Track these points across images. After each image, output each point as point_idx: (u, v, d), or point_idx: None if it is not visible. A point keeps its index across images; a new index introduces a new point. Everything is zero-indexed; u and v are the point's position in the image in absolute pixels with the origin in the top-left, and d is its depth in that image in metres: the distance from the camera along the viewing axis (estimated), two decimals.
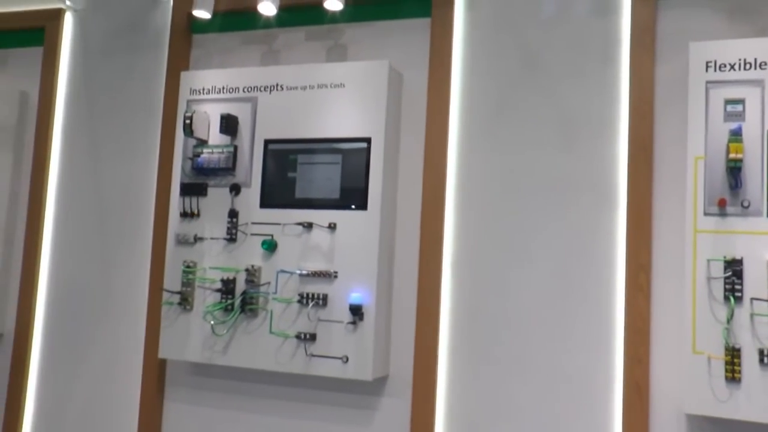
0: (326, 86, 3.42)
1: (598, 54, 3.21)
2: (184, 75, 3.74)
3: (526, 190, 3.25)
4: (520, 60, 3.33)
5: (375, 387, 3.38)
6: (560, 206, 3.18)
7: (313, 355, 3.29)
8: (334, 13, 3.52)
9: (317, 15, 3.61)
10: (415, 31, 3.51)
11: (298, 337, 3.31)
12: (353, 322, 3.25)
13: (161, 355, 3.62)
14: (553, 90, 3.25)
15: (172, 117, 3.77)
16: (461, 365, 3.27)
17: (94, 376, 3.96)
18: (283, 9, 3.53)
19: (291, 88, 3.48)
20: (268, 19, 3.64)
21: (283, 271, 3.38)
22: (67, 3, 4.26)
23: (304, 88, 3.46)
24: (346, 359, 3.24)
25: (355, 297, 3.25)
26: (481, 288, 3.28)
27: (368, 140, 3.33)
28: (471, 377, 3.25)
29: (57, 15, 4.28)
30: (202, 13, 3.61)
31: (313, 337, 3.30)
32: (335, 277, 3.30)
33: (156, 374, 3.76)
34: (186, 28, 3.92)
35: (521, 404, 3.15)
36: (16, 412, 4.08)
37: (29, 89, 4.35)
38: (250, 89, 3.56)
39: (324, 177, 3.38)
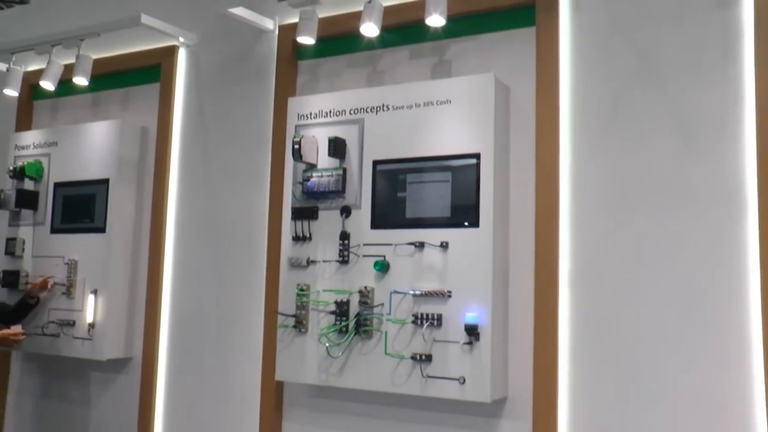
0: (432, 103, 3.39)
1: (717, 49, 3.00)
2: (291, 101, 3.81)
3: (645, 198, 3.07)
4: (632, 62, 3.17)
5: (494, 409, 3.28)
6: (683, 214, 2.99)
7: (430, 377, 3.24)
8: (436, 29, 3.50)
9: (420, 32, 3.59)
10: (519, 41, 3.42)
11: (413, 358, 3.27)
12: (469, 342, 3.18)
13: (278, 377, 3.67)
14: (669, 91, 3.07)
15: (281, 143, 3.85)
16: (583, 386, 3.12)
17: (216, 397, 4.07)
18: (385, 29, 3.53)
19: (397, 108, 3.47)
20: (371, 40, 3.66)
21: (396, 292, 3.35)
22: (180, 39, 4.46)
23: (410, 106, 3.44)
24: (463, 380, 3.17)
25: (471, 316, 3.18)
26: (601, 304, 3.12)
27: (477, 156, 3.26)
28: (594, 399, 3.09)
29: (171, 52, 4.49)
30: (307, 39, 3.68)
31: (428, 358, 3.25)
32: (449, 296, 3.25)
33: (274, 396, 3.81)
34: (291, 56, 4.00)
35: (649, 428, 2.97)
36: (147, 426, 4.26)
37: (149, 124, 4.57)
38: (356, 111, 3.58)
39: (434, 195, 3.35)
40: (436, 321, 3.25)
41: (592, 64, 3.26)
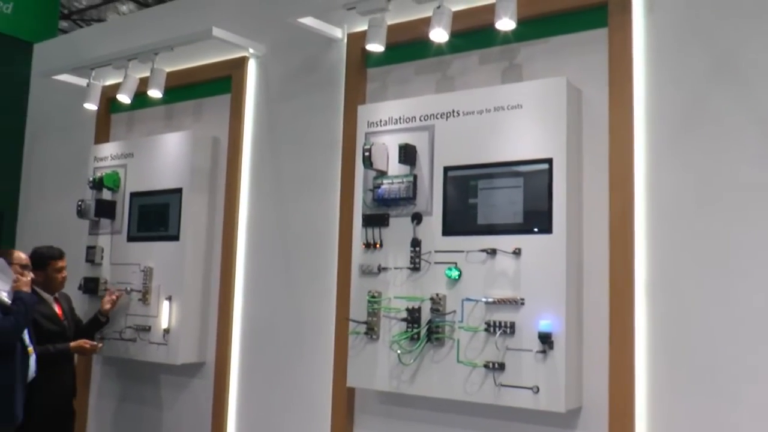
0: (503, 108, 3.34)
1: None
2: (361, 109, 3.82)
3: (726, 203, 2.95)
4: (710, 62, 3.05)
5: (568, 419, 3.19)
6: (766, 219, 2.87)
7: (503, 385, 3.18)
8: (506, 33, 3.45)
9: (490, 37, 3.55)
10: (591, 43, 3.34)
11: (486, 366, 3.22)
12: (543, 351, 3.11)
13: (350, 383, 3.67)
14: (752, 92, 2.94)
15: (352, 150, 3.86)
16: (662, 396, 3.01)
17: (287, 402, 4.10)
18: (455, 35, 3.51)
19: (467, 113, 3.44)
20: (440, 46, 3.64)
21: (468, 299, 3.31)
22: (250, 51, 4.53)
23: (480, 112, 3.40)
24: (536, 389, 3.10)
25: (544, 324, 3.11)
26: (680, 311, 3.01)
27: (549, 161, 3.20)
28: (674, 410, 2.97)
29: (241, 63, 4.56)
30: (376, 47, 3.68)
31: (501, 367, 3.19)
32: (522, 304, 3.19)
33: (345, 402, 3.81)
34: (360, 63, 4.01)
35: None
36: (220, 429, 4.32)
37: (220, 134, 4.65)
38: (426, 117, 3.56)
39: (506, 201, 3.29)
40: (509, 329, 3.20)
41: (668, 65, 3.16)
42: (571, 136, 3.22)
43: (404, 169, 3.57)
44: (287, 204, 4.27)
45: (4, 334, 3.73)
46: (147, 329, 4.53)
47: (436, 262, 3.43)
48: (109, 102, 5.30)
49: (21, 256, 4.08)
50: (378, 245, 3.62)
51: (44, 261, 4.34)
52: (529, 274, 3.19)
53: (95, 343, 4.43)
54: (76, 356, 4.51)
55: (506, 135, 3.32)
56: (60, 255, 4.42)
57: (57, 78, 5.33)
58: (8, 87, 6.19)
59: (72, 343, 4.31)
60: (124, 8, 10.90)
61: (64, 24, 6.91)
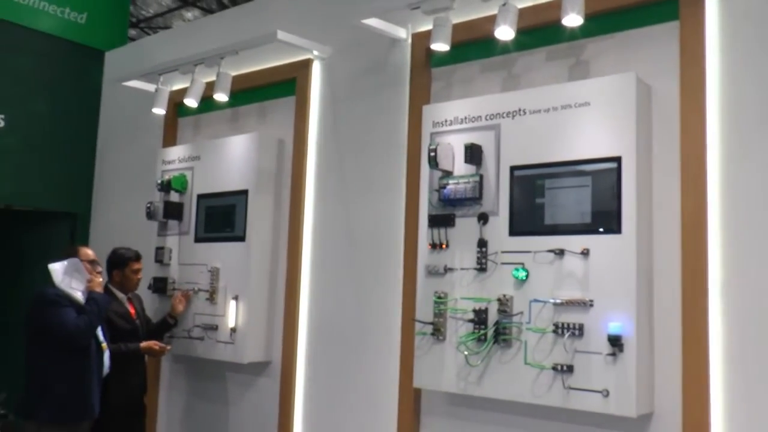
0: (570, 106, 3.29)
1: None
2: (426, 109, 3.82)
3: None
4: None
5: (639, 425, 3.11)
6: None
7: (571, 388, 3.13)
8: (573, 29, 3.40)
9: (556, 33, 3.50)
10: (661, 37, 3.26)
11: (554, 368, 3.18)
12: (613, 354, 3.05)
13: (416, 384, 3.67)
14: None
15: (417, 151, 3.86)
16: (740, 403, 2.91)
17: (353, 402, 4.12)
18: (520, 32, 3.47)
19: (534, 112, 3.40)
20: (506, 44, 3.60)
21: (536, 300, 3.27)
22: (315, 53, 4.57)
23: (547, 110, 3.36)
24: (606, 393, 3.04)
25: (614, 327, 3.05)
26: (758, 313, 2.90)
27: (618, 159, 3.13)
28: (753, 417, 2.87)
29: (306, 65, 4.62)
30: (441, 46, 3.67)
31: (570, 369, 3.15)
32: (591, 305, 3.13)
33: (411, 403, 3.82)
34: (425, 63, 4.01)
35: None
36: (286, 428, 4.38)
37: (285, 136, 4.72)
38: (492, 117, 3.53)
39: (573, 201, 3.24)
40: (578, 331, 3.15)
41: (744, 57, 3.05)
42: (640, 133, 3.15)
43: (470, 169, 3.56)
44: (352, 205, 4.30)
45: (79, 333, 3.88)
46: (214, 328, 4.63)
47: (502, 263, 3.40)
48: (176, 106, 5.43)
49: (88, 252, 4.25)
50: (444, 246, 3.61)
51: (123, 261, 4.52)
52: (598, 275, 3.13)
53: (165, 345, 4.55)
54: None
55: (573, 133, 3.27)
56: (137, 257, 4.59)
57: (127, 84, 5.51)
58: (82, 94, 6.44)
59: (142, 344, 4.45)
60: (189, 15, 11.17)
61: (132, 32, 7.13)
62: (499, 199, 3.46)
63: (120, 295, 4.52)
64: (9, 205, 6.36)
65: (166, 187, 5.08)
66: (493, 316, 3.39)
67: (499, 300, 3.37)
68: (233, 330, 4.52)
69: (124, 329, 4.43)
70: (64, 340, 3.88)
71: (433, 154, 3.55)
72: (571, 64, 3.52)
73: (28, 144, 6.08)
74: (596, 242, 3.16)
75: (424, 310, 3.62)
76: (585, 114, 3.25)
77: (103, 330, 4.14)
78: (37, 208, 6.38)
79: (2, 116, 5.94)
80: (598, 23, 3.41)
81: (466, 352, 3.43)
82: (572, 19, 3.29)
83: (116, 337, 4.30)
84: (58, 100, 6.27)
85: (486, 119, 3.55)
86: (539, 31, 3.58)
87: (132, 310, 4.58)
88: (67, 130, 6.32)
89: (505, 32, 3.44)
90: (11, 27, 6.04)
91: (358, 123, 4.35)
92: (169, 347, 4.62)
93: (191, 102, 4.88)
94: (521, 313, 3.31)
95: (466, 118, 3.62)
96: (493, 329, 3.37)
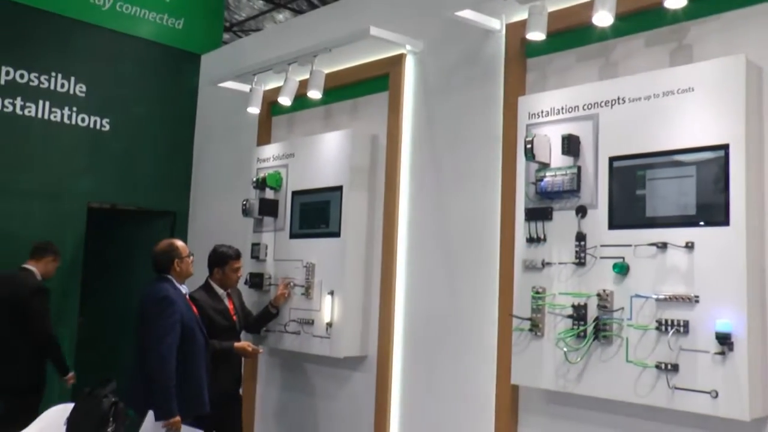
0: (673, 93, 3.22)
1: None
2: (521, 100, 3.83)
3: None
4: None
5: (753, 429, 3.02)
6: None
7: (677, 388, 3.07)
8: (676, 11, 3.32)
9: (657, 17, 3.43)
10: None
11: (657, 367, 3.12)
12: (721, 352, 2.97)
13: (514, 381, 3.69)
14: None
15: (512, 143, 3.87)
16: None
17: (449, 398, 4.17)
18: (618, 17, 3.42)
19: (634, 100, 3.35)
20: (603, 30, 3.56)
21: (637, 296, 3.23)
22: (407, 47, 4.64)
23: (648, 97, 3.30)
24: (715, 394, 2.97)
25: (722, 324, 2.97)
26: None
27: (725, 147, 3.05)
28: None
29: (399, 60, 4.70)
30: (537, 35, 3.66)
31: (675, 368, 3.08)
32: (696, 301, 3.06)
33: (509, 400, 3.83)
34: (520, 54, 4.01)
35: None
36: (382, 424, 4.49)
37: (378, 132, 4.81)
38: (589, 106, 3.50)
39: (676, 192, 3.18)
40: (683, 328, 3.09)
41: None
42: (750, 119, 3.06)
43: (567, 160, 3.54)
44: (447, 199, 4.35)
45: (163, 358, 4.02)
46: (310, 323, 4.77)
47: (602, 257, 3.37)
48: (270, 105, 5.63)
49: (184, 245, 4.43)
50: (541, 239, 3.60)
51: (224, 259, 4.71)
52: (704, 270, 3.07)
53: (257, 347, 4.71)
54: None
55: (676, 121, 3.21)
56: (237, 255, 4.78)
57: (222, 85, 5.75)
58: (179, 96, 6.78)
59: (236, 344, 4.63)
60: (280, 17, 11.50)
61: (225, 36, 7.43)
62: (598, 191, 3.43)
63: (220, 291, 4.72)
64: (114, 204, 6.75)
65: (261, 184, 5.27)
66: (592, 312, 3.37)
67: (598, 295, 3.34)
68: (329, 325, 4.65)
69: (222, 326, 4.61)
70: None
71: (529, 146, 3.55)
72: (673, 48, 3.44)
73: (130, 146, 6.46)
74: (701, 235, 3.09)
75: (522, 306, 3.64)
76: (689, 100, 3.19)
77: (204, 326, 4.32)
78: (140, 207, 6.75)
79: (107, 120, 6.32)
80: (703, 4, 3.33)
81: (565, 349, 3.42)
82: (675, 2, 3.22)
83: (214, 334, 4.48)
84: (157, 104, 6.63)
85: (583, 109, 3.52)
86: (639, 16, 3.53)
87: (231, 307, 4.76)
88: (166, 132, 6.68)
89: (603, 18, 3.41)
90: (115, 35, 6.44)
91: (452, 117, 4.40)
92: (261, 350, 4.79)
93: (285, 100, 5.04)
94: (622, 308, 3.28)
95: (562, 108, 3.61)
96: (593, 325, 3.34)
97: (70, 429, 3.31)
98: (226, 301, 4.74)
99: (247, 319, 4.95)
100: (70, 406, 3.49)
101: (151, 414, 3.96)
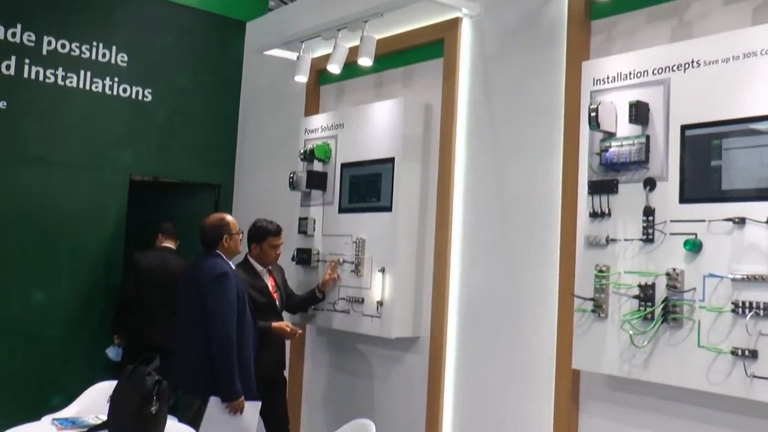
0: (755, 54, 3.10)
1: None
2: (585, 65, 3.75)
3: None
4: None
5: None
6: None
7: (755, 377, 2.99)
8: None
9: None
10: None
11: (733, 353, 3.05)
12: None
13: (575, 365, 3.66)
14: None
15: (575, 111, 3.80)
16: None
17: (507, 382, 4.17)
18: None
19: (710, 63, 3.24)
20: None
21: (711, 275, 3.15)
22: (463, 11, 4.58)
23: (726, 60, 3.19)
24: None
25: None
26: None
27: None
28: None
29: (454, 25, 4.65)
30: None
31: (753, 354, 3.00)
32: None
33: (569, 385, 3.80)
34: (584, 16, 3.92)
35: None
36: (435, 408, 4.50)
37: (432, 100, 4.78)
38: (660, 71, 3.41)
39: (756, 163, 3.07)
40: (763, 311, 3.00)
41: None
42: None
43: (635, 129, 3.46)
44: (505, 171, 4.31)
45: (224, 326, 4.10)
46: (360, 301, 4.80)
47: (672, 233, 3.30)
48: (318, 74, 5.63)
49: (235, 221, 4.47)
50: (606, 214, 3.54)
51: (262, 235, 4.73)
52: None
53: (296, 328, 4.72)
54: None
55: (758, 85, 3.09)
56: (277, 231, 4.78)
57: (268, 53, 5.76)
58: (224, 66, 6.84)
59: (274, 324, 4.61)
60: None
61: (271, 2, 7.50)
62: (668, 162, 3.34)
63: (259, 267, 4.75)
64: (156, 177, 6.87)
65: (309, 156, 5.30)
66: (660, 293, 3.29)
67: (667, 274, 3.27)
68: (380, 303, 4.67)
69: (261, 303, 4.60)
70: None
71: (593, 114, 3.48)
72: (756, 5, 3.31)
73: (173, 117, 6.55)
74: None
75: (584, 285, 3.59)
76: None
77: (250, 305, 4.35)
78: (182, 179, 6.85)
79: (149, 90, 6.41)
80: None
81: (630, 332, 3.36)
82: None
83: (253, 313, 4.49)
84: (201, 73, 6.70)
85: (653, 74, 3.43)
86: None
87: (272, 284, 4.80)
88: (209, 102, 6.74)
89: None
90: (157, 3, 6.52)
91: (510, 84, 4.34)
92: (300, 331, 4.80)
93: (334, 68, 5.03)
94: (693, 289, 3.20)
95: (630, 73, 3.52)
96: (662, 307, 3.28)
97: (114, 407, 3.39)
98: (266, 279, 4.77)
99: (290, 298, 5.00)
100: (113, 383, 3.57)
101: (213, 399, 4.04)
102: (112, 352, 5.89)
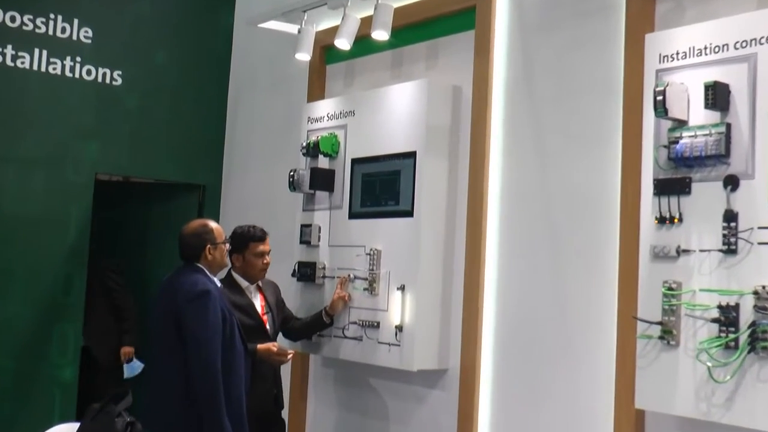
0: None
1: None
2: (649, 38, 3.73)
3: None
4: None
5: None
6: None
7: None
8: None
9: None
10: None
11: None
12: None
13: (638, 404, 3.62)
14: None
15: (637, 93, 3.77)
16: None
17: (553, 424, 4.14)
18: None
19: None
20: None
21: None
22: None
23: None
24: None
25: None
26: None
27: None
28: None
29: None
30: None
31: None
32: None
33: (632, 429, 3.76)
34: None
35: None
36: None
37: (462, 82, 4.77)
38: (744, 44, 3.37)
39: None
40: None
41: None
42: None
43: (712, 116, 3.43)
44: (550, 167, 4.30)
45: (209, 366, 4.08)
46: (375, 326, 4.80)
47: (759, 243, 3.26)
48: (323, 51, 5.66)
49: (220, 229, 4.46)
50: (676, 220, 3.52)
51: (244, 242, 4.74)
52: None
53: (285, 349, 4.69)
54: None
55: None
56: (261, 237, 4.78)
57: (263, 26, 5.76)
58: (210, 41, 6.89)
59: (259, 346, 4.57)
60: None
61: None
62: (755, 156, 3.30)
63: (244, 284, 4.75)
64: (127, 176, 6.88)
65: (312, 150, 5.31)
66: (746, 315, 3.26)
67: (755, 293, 3.23)
68: (399, 329, 4.66)
69: (246, 325, 4.54)
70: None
71: (660, 97, 3.45)
72: None
73: (148, 104, 6.58)
74: None
75: (650, 306, 3.56)
76: None
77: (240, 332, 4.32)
78: (159, 179, 6.87)
79: (119, 72, 6.43)
80: None
81: (709, 364, 3.32)
82: None
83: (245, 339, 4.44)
84: (182, 51, 6.75)
85: (735, 48, 3.39)
86: None
87: (262, 303, 4.79)
88: (192, 86, 6.77)
89: None
90: None
91: (557, 61, 4.33)
92: (291, 353, 4.76)
93: (343, 43, 5.03)
94: None
95: (706, 48, 3.49)
96: (748, 333, 3.23)
97: None
98: (253, 296, 4.77)
99: (289, 322, 4.99)
100: (76, 425, 3.55)
101: None
102: (128, 369, 6.21)
